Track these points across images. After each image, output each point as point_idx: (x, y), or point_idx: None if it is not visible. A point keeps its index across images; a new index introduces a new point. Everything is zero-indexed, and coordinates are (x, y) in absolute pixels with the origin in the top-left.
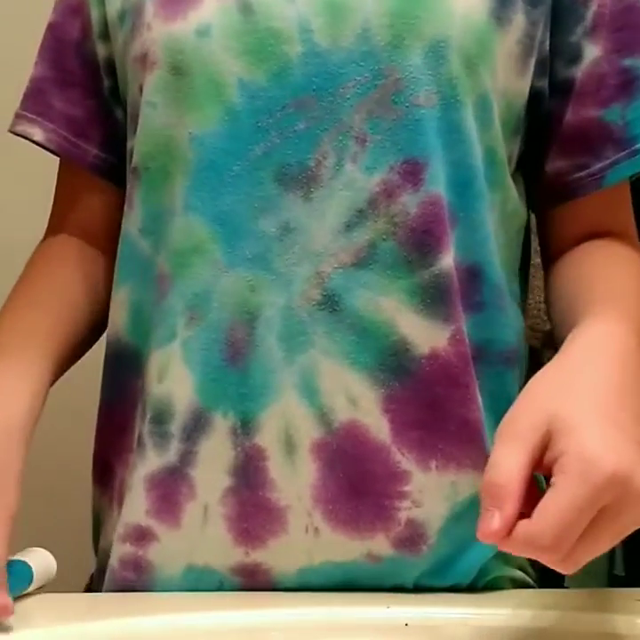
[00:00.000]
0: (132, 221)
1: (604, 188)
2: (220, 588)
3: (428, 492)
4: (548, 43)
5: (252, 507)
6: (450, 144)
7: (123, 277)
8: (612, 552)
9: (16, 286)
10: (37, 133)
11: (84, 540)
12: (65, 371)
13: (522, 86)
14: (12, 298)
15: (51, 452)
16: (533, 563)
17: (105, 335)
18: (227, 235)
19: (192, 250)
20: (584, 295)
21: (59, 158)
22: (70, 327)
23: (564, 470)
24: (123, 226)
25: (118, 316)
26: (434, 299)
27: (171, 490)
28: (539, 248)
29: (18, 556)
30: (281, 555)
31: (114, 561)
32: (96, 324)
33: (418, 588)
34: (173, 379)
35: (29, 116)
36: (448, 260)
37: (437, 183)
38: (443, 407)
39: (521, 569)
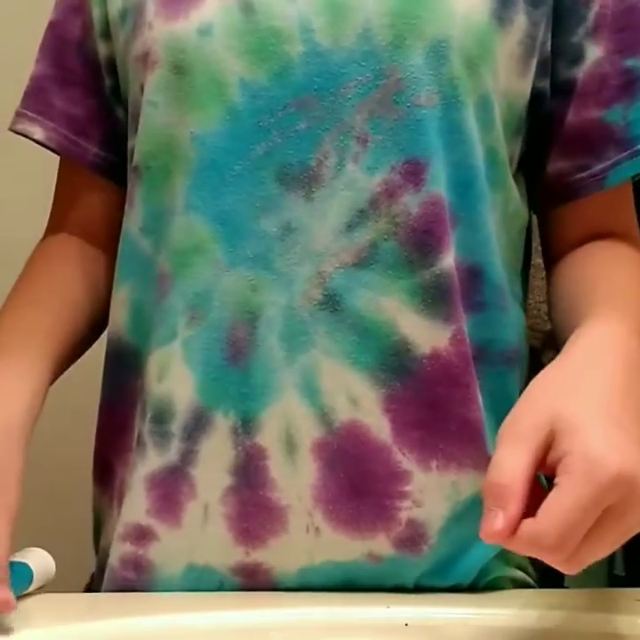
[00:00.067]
0: (133, 220)
1: (605, 189)
2: (221, 587)
3: (429, 492)
4: (549, 43)
5: (252, 506)
6: (451, 144)
7: (123, 276)
8: (611, 552)
9: (16, 285)
10: (38, 132)
11: (84, 540)
12: (65, 369)
13: (523, 87)
14: (11, 297)
15: (51, 452)
16: (534, 562)
17: (105, 334)
18: (228, 234)
19: (193, 249)
20: (586, 296)
21: (59, 157)
22: (70, 326)
23: (569, 470)
24: (123, 225)
25: (118, 316)
26: (435, 299)
27: (171, 489)
28: (539, 248)
29: (17, 558)
30: (281, 554)
31: (114, 560)
32: (96, 323)
33: (418, 589)
34: (174, 378)
35: (30, 114)
36: (449, 260)
37: (438, 183)
38: (444, 407)
39: (521, 569)
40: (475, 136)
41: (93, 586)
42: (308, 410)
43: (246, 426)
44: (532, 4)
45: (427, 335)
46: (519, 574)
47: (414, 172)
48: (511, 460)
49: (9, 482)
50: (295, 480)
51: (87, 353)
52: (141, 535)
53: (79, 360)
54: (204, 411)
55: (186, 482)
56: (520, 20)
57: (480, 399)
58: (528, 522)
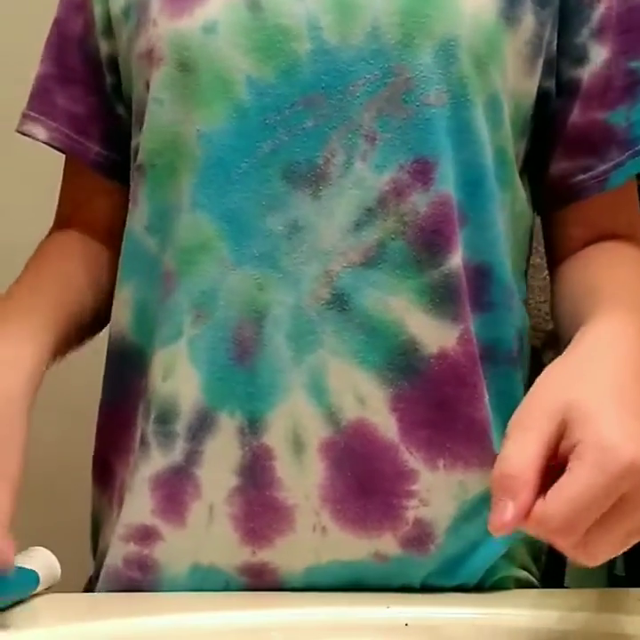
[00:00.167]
0: (137, 219)
1: (607, 191)
2: (227, 587)
3: (436, 491)
4: (555, 43)
5: (259, 506)
6: (460, 143)
7: (127, 275)
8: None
9: (18, 277)
10: (41, 133)
11: (84, 540)
12: (64, 353)
13: (530, 87)
14: (12, 286)
15: (51, 453)
16: (536, 562)
17: (106, 335)
18: (234, 232)
19: (199, 247)
20: (591, 295)
21: (63, 157)
22: (72, 311)
23: (581, 457)
24: (127, 224)
25: (122, 315)
26: (443, 298)
27: (176, 489)
28: (539, 248)
29: (23, 561)
30: (288, 554)
31: (118, 561)
32: (98, 315)
33: (425, 588)
34: (179, 377)
35: (34, 115)
36: (456, 260)
37: (447, 183)
38: (451, 407)
39: (525, 568)
40: (484, 135)
41: (92, 587)
42: (315, 409)
43: (253, 426)
44: (539, 3)
45: (435, 335)
46: (523, 574)
47: (423, 171)
48: (521, 451)
49: (11, 452)
50: (302, 480)
51: (87, 354)
52: (146, 535)
53: (79, 361)
54: (209, 411)
55: (191, 482)
56: (528, 20)
57: (486, 398)
58: (538, 502)
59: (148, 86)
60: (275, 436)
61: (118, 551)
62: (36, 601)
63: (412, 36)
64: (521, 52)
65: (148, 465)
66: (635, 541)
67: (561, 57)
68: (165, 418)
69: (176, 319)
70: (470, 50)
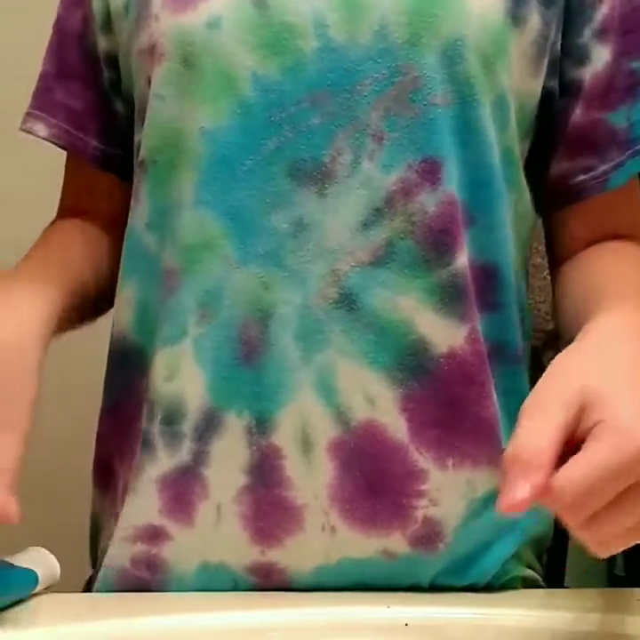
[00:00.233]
0: (139, 216)
1: (607, 191)
2: (235, 587)
3: (446, 491)
4: (559, 43)
5: (268, 505)
6: (466, 143)
7: (128, 273)
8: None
9: (23, 257)
10: (41, 129)
11: (84, 540)
12: (69, 324)
13: (535, 87)
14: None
15: (51, 453)
16: (539, 560)
17: (108, 335)
18: (238, 230)
19: (203, 245)
20: (594, 294)
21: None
22: (75, 285)
23: (598, 438)
24: (129, 221)
25: (123, 314)
26: (451, 298)
27: (184, 489)
28: (539, 248)
29: (23, 561)
30: (297, 553)
31: (125, 561)
32: (101, 294)
33: (434, 588)
34: (185, 377)
35: (35, 113)
36: (463, 260)
37: (453, 182)
38: (460, 406)
39: (530, 567)
40: (491, 135)
41: (91, 587)
42: (324, 409)
43: (261, 425)
44: (544, 3)
45: (444, 334)
46: (529, 573)
47: (431, 171)
48: (539, 434)
49: (23, 406)
50: (311, 479)
51: (87, 354)
52: (154, 535)
53: (79, 362)
54: (215, 411)
55: (198, 482)
56: (533, 20)
57: (494, 397)
58: (554, 476)
59: (149, 82)
60: (283, 436)
61: (124, 551)
62: (36, 601)
63: (420, 36)
64: (526, 52)
65: (155, 466)
66: None
67: (564, 57)
68: (172, 418)
69: (180, 318)
70: (477, 50)
